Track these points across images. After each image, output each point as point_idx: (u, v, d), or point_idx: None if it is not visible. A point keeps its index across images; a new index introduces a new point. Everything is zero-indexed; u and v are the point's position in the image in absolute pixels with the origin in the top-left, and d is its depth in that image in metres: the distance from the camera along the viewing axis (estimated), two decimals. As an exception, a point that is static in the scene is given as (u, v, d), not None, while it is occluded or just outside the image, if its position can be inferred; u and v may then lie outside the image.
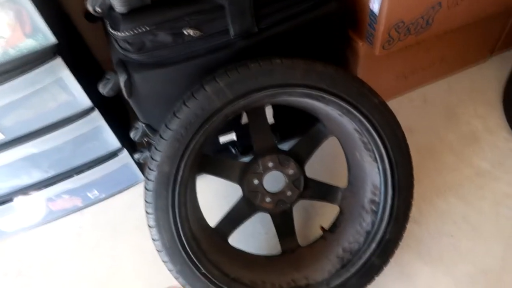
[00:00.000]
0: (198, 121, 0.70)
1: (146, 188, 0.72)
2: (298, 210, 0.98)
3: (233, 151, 1.04)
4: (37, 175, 0.97)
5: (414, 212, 0.97)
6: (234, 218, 0.87)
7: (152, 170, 0.71)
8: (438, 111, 1.17)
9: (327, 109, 0.77)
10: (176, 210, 0.72)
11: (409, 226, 0.95)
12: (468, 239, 0.95)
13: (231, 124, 0.97)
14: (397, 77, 1.14)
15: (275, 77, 0.71)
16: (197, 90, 0.71)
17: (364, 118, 0.74)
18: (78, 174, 1.01)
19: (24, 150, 0.89)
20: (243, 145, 1.02)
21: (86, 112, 0.90)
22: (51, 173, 0.98)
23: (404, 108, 1.19)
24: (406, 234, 0.93)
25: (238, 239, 0.96)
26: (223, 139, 1.00)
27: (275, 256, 0.90)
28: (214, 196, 1.05)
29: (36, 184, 0.99)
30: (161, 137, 0.71)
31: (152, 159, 0.72)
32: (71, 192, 1.05)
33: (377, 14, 0.86)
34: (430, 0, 0.86)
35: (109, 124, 0.95)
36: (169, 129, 0.71)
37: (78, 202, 1.09)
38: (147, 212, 0.72)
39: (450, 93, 1.21)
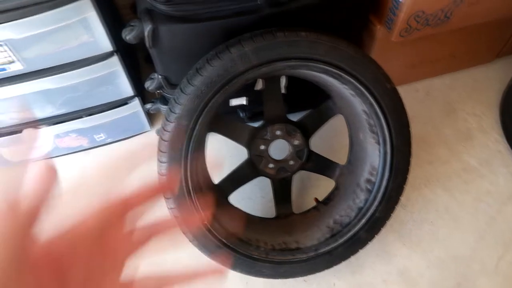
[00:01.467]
0: (220, 81, 0.73)
1: (161, 138, 0.76)
2: (295, 180, 1.03)
3: (241, 115, 1.07)
4: (49, 111, 0.99)
5: (402, 198, 1.04)
6: (236, 179, 0.92)
7: (169, 121, 0.75)
8: (439, 105, 1.22)
9: (341, 87, 0.81)
10: (188, 162, 0.76)
11: (396, 209, 1.02)
12: (446, 228, 1.02)
13: (244, 89, 1.00)
14: (406, 65, 1.17)
15: (299, 49, 0.74)
16: (222, 51, 0.73)
17: (375, 101, 0.78)
18: (89, 115, 1.04)
19: (40, 84, 0.90)
20: (251, 111, 1.06)
21: (106, 56, 0.91)
22: (62, 110, 1.00)
23: (408, 97, 1.22)
24: (393, 216, 1.00)
25: (237, 199, 1.01)
26: (234, 102, 1.03)
27: (269, 218, 0.95)
28: (219, 155, 1.09)
29: (47, 119, 1.01)
30: (182, 91, 0.74)
31: (171, 111, 0.75)
32: (79, 131, 1.08)
33: (401, 1, 0.89)
34: (454, -5, 0.88)
35: (126, 71, 0.97)
36: (191, 84, 0.73)
37: (84, 142, 1.12)
38: (160, 161, 0.76)
39: (452, 89, 1.25)
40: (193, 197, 0.77)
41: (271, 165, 0.91)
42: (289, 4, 0.82)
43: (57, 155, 1.12)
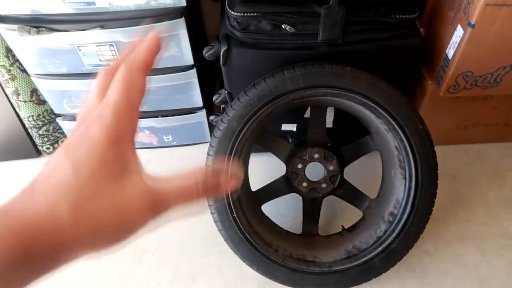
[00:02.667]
0: (270, 95, 0.87)
1: (214, 135, 0.90)
2: (327, 205, 1.10)
3: (290, 140, 1.18)
4: (133, 106, 1.19)
5: (430, 246, 1.06)
6: (272, 190, 1.02)
7: (223, 122, 0.89)
8: (487, 169, 1.23)
9: (377, 122, 0.90)
10: (231, 159, 0.88)
11: (422, 256, 1.05)
12: (471, 286, 1.00)
13: (295, 116, 1.12)
14: (457, 125, 1.22)
15: (342, 80, 0.85)
16: (277, 73, 0.88)
17: (405, 138, 0.86)
18: (163, 116, 1.23)
19: (132, 82, 1.11)
20: (299, 138, 1.17)
21: (187, 68, 1.10)
22: (144, 108, 1.20)
23: (456, 156, 1.26)
24: (416, 263, 1.03)
25: (270, 213, 1.11)
26: (285, 127, 1.16)
27: (295, 234, 1.03)
28: (262, 168, 1.20)
29: (129, 113, 1.22)
30: (239, 99, 0.89)
31: (226, 114, 0.89)
32: (152, 130, 1.27)
33: (450, 59, 0.97)
34: (502, 60, 0.95)
35: (200, 84, 1.15)
36: (247, 95, 0.88)
37: (154, 140, 1.31)
38: (208, 154, 0.90)
39: (505, 158, 1.26)
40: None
41: (304, 184, 1.00)
42: (344, 46, 0.95)
43: (131, 147, 1.32)
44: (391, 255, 0.89)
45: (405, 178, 0.89)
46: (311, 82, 0.86)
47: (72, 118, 1.24)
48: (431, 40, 1.07)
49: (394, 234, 0.88)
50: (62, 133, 1.29)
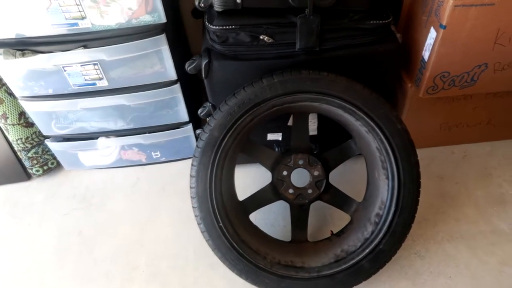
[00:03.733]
0: (250, 103, 0.88)
1: (197, 146, 0.91)
2: (315, 211, 1.11)
3: (276, 149, 1.19)
4: (121, 124, 1.21)
5: (420, 249, 1.07)
6: (259, 199, 1.03)
7: (205, 132, 0.90)
8: (474, 168, 1.24)
9: (357, 125, 0.91)
10: (214, 168, 0.89)
11: (413, 258, 1.05)
12: (464, 285, 1.00)
13: (279, 126, 1.14)
14: (441, 126, 1.23)
15: (319, 85, 0.87)
16: (256, 81, 0.90)
17: (385, 139, 0.87)
18: (150, 132, 1.24)
19: (118, 99, 1.13)
20: (285, 146, 1.18)
21: (170, 83, 1.12)
22: (131, 125, 1.22)
23: (443, 157, 1.28)
24: (408, 265, 1.03)
25: (260, 223, 1.11)
26: (270, 136, 1.18)
27: (284, 241, 1.03)
28: (248, 178, 1.21)
29: (117, 131, 1.23)
30: (219, 109, 0.90)
31: (208, 124, 0.91)
32: (141, 147, 1.28)
33: (426, 61, 0.99)
34: (476, 59, 0.97)
35: (184, 98, 1.17)
36: (227, 104, 0.90)
37: (143, 157, 1.32)
38: (192, 164, 0.91)
39: (491, 156, 1.27)
40: (213, 199, 0.89)
41: (291, 190, 1.01)
42: (322, 54, 0.97)
43: (120, 166, 1.33)
44: (379, 256, 0.89)
45: (388, 178, 0.90)
46: (290, 88, 0.88)
47: (61, 139, 1.26)
48: (408, 44, 1.09)
49: (381, 235, 0.89)
50: (52, 155, 1.30)
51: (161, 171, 1.33)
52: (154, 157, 1.32)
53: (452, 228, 1.11)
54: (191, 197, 0.91)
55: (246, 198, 1.03)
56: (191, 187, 0.91)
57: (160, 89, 1.12)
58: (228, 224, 0.91)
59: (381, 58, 1.01)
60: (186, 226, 1.14)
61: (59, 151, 1.27)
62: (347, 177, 1.18)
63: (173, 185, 1.29)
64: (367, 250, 0.89)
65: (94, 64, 1.04)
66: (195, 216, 0.91)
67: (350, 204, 1.02)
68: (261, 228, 1.06)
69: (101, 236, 1.16)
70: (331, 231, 1.03)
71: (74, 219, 1.22)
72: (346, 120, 0.94)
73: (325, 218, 1.14)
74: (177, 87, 1.13)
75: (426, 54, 1.00)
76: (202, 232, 0.91)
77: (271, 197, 1.03)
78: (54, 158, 1.32)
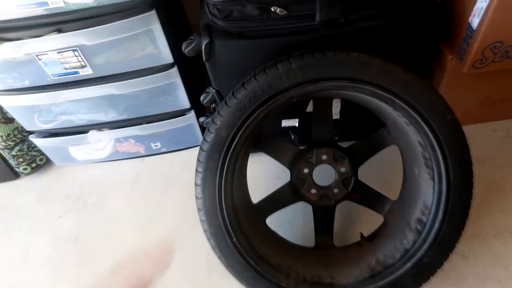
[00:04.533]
0: (263, 96, 0.72)
1: (201, 148, 0.76)
2: (341, 210, 0.97)
3: (292, 137, 1.04)
4: (113, 115, 1.06)
5: (463, 247, 0.93)
6: (276, 201, 0.89)
7: (210, 132, 0.75)
8: (521, 149, 1.08)
9: (395, 115, 0.75)
10: (223, 175, 0.75)
11: (455, 259, 0.91)
12: (517, 290, 0.87)
13: (296, 111, 0.98)
14: (483, 101, 1.06)
15: (348, 69, 0.70)
16: (269, 67, 0.72)
17: (431, 132, 0.71)
18: (148, 123, 1.09)
19: (106, 89, 0.97)
20: (303, 133, 1.03)
21: (166, 67, 0.96)
22: (124, 116, 1.06)
23: (483, 136, 1.11)
24: (450, 267, 0.89)
25: (277, 222, 0.98)
26: (285, 123, 1.02)
27: (307, 248, 0.90)
28: (264, 175, 1.07)
29: (110, 123, 1.08)
30: (226, 103, 0.74)
31: (213, 122, 0.75)
32: (138, 138, 1.13)
33: (475, 29, 0.81)
34: (539, 25, 0.78)
35: (184, 83, 1.00)
36: (235, 97, 0.73)
37: (141, 149, 1.17)
38: (197, 170, 0.76)
39: (540, 134, 1.10)
40: (224, 211, 0.75)
41: (313, 191, 0.86)
42: (347, 26, 0.79)
43: (116, 159, 1.19)
44: (423, 270, 0.76)
45: (433, 179, 0.74)
46: (311, 75, 0.71)
47: (47, 134, 1.11)
48: (449, 8, 0.90)
49: (425, 246, 0.74)
50: (39, 151, 1.16)
51: (163, 163, 1.19)
52: (154, 148, 1.17)
53: (498, 222, 0.97)
54: (198, 208, 0.77)
55: (261, 200, 0.89)
56: (197, 197, 0.77)
57: (155, 75, 0.96)
58: (242, 238, 0.77)
59: (417, 26, 0.82)
60: (195, 227, 1.00)
61: (47, 147, 1.12)
62: (378, 170, 1.02)
63: (178, 179, 1.15)
64: (409, 264, 0.75)
65: (73, 50, 0.87)
66: (204, 230, 0.78)
67: (383, 203, 0.88)
68: (279, 229, 0.93)
69: (100, 242, 1.04)
70: (361, 234, 0.90)
71: (69, 222, 1.09)
72: (380, 108, 0.77)
73: (353, 219, 1.00)
74: (174, 71, 0.96)
75: (475, 20, 0.81)
76: (213, 248, 0.78)
77: (290, 198, 0.89)
78: (43, 154, 1.18)
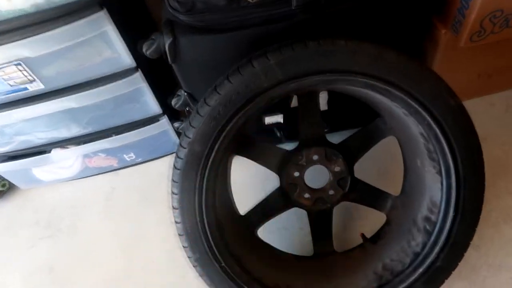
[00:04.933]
0: (240, 100, 0.62)
1: (174, 166, 0.66)
2: (339, 210, 0.88)
3: (278, 134, 0.95)
4: (76, 130, 0.94)
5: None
6: (266, 209, 0.80)
7: (183, 147, 0.65)
8: (523, 122, 1.00)
9: (391, 105, 0.66)
10: (203, 195, 0.65)
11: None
12: (534, 278, 0.81)
13: (279, 106, 0.88)
14: (480, 75, 0.98)
15: (335, 60, 0.60)
16: (243, 65, 0.62)
17: (435, 123, 0.62)
18: (117, 134, 0.98)
19: (63, 103, 0.85)
20: (289, 130, 0.93)
21: (128, 72, 0.84)
22: (89, 129, 0.95)
23: (482, 112, 1.03)
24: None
25: (270, 228, 0.89)
26: (269, 119, 0.92)
27: (306, 257, 0.81)
28: (251, 181, 0.97)
29: (74, 139, 0.97)
30: (198, 112, 0.64)
31: (185, 135, 0.65)
32: (108, 151, 1.03)
33: (471, -1, 0.72)
34: (543, -13, 0.69)
35: (152, 88, 0.90)
36: (207, 104, 0.63)
37: (114, 162, 1.07)
38: (172, 192, 0.66)
39: (541, 104, 1.03)
40: (208, 234, 0.66)
41: (306, 195, 0.77)
42: (328, 8, 0.69)
43: (88, 175, 1.08)
44: (436, 275, 0.68)
45: (440, 174, 0.66)
46: (293, 71, 0.61)
47: (5, 157, 0.99)
48: (438, -25, 0.80)
49: (437, 249, 0.67)
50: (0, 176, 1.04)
51: (139, 175, 1.09)
52: (128, 159, 1.07)
53: (507, 205, 0.90)
54: (179, 234, 0.68)
55: (250, 211, 0.80)
56: (176, 222, 0.67)
57: (117, 82, 0.84)
58: (232, 261, 0.68)
59: (404, 2, 0.73)
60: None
61: (7, 171, 1.01)
62: (374, 162, 0.94)
63: (156, 190, 1.05)
64: (421, 270, 0.68)
65: (16, 65, 0.75)
66: (188, 257, 0.68)
67: (384, 200, 0.80)
68: (272, 235, 0.85)
69: (77, 270, 0.95)
70: (362, 234, 0.82)
71: (42, 251, 0.99)
72: (374, 99, 0.68)
73: (351, 216, 0.92)
74: (138, 75, 0.85)
75: (470, -12, 0.72)
76: (200, 276, 0.69)
77: (281, 205, 0.80)
78: (4, 179, 1.06)
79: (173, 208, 0.67)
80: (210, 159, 0.64)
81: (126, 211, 1.02)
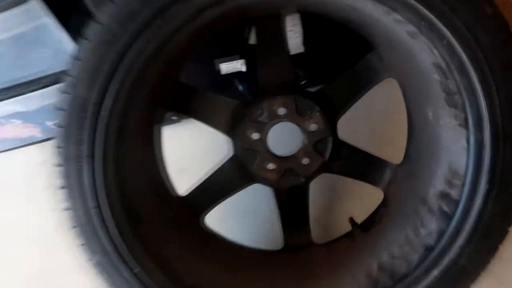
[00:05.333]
0: (146, 14, 0.38)
1: (57, 124, 0.43)
2: (318, 186, 0.66)
3: (240, 87, 0.72)
4: (-30, 88, 0.72)
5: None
6: (216, 188, 0.58)
7: (65, 92, 0.41)
8: None
9: (390, 22, 0.42)
10: (101, 166, 0.42)
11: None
12: None
13: (235, 44, 0.64)
14: None
15: None
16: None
17: (458, 40, 0.38)
18: (29, 92, 0.75)
19: None
20: (254, 80, 0.70)
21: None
22: (-11, 86, 0.72)
23: None
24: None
25: (231, 212, 0.67)
26: (225, 67, 0.68)
27: (274, 252, 0.59)
28: (200, 148, 0.73)
29: (-30, 100, 0.74)
30: (84, 36, 0.40)
31: (67, 74, 0.41)
32: (25, 116, 0.80)
33: None
34: None
35: (63, 23, 0.66)
36: (97, 22, 0.39)
37: (36, 131, 0.84)
38: (56, 164, 0.44)
39: None
40: (110, 226, 0.43)
41: (270, 166, 0.56)
42: None
43: (5, 149, 0.86)
44: (458, 278, 0.46)
45: (465, 126, 0.43)
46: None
47: None
48: None
49: (461, 240, 0.44)
50: None
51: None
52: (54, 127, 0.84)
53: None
54: (72, 226, 0.45)
55: (193, 191, 0.58)
56: (64, 209, 0.45)
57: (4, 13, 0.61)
58: (151, 264, 0.46)
59: None
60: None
61: None
62: (365, 117, 0.69)
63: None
64: (436, 273, 0.45)
65: None
66: (88, 260, 0.46)
67: (381, 170, 0.59)
68: (230, 222, 0.64)
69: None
70: (351, 219, 0.60)
71: None
72: (364, 16, 0.44)
73: (333, 192, 0.69)
74: (35, 4, 0.61)
75: None
76: (109, 286, 0.47)
77: (236, 181, 0.59)
78: None
79: (59, 187, 0.44)
80: (106, 108, 0.41)
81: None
